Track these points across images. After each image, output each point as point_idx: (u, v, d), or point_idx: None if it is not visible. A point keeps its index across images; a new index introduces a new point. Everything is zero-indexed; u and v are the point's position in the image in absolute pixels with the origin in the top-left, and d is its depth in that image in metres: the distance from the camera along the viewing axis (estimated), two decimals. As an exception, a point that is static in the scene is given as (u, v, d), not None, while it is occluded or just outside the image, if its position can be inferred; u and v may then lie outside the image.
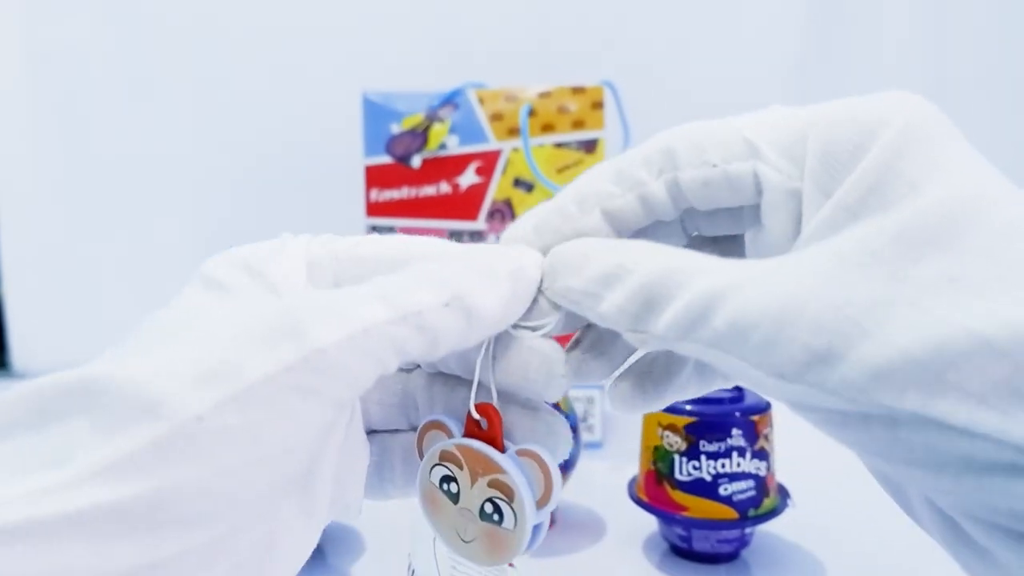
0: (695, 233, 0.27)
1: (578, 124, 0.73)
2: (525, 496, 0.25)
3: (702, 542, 0.52)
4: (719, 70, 0.93)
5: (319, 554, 0.53)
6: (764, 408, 0.52)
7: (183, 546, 0.20)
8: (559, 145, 0.73)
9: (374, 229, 0.75)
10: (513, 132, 0.73)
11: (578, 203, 0.25)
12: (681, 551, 0.54)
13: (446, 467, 0.26)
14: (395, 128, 0.74)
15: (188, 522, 0.20)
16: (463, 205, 0.74)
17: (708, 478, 0.50)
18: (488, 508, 0.26)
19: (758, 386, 0.21)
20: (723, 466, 0.50)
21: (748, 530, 0.53)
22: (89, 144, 0.99)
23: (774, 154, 0.23)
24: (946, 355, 0.18)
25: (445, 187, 0.74)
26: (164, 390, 0.19)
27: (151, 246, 1.01)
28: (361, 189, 0.76)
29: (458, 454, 0.26)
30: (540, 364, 0.25)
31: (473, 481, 0.26)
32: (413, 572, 0.37)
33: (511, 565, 0.26)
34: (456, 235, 0.74)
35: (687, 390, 0.28)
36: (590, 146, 0.73)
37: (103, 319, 1.01)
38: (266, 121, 0.98)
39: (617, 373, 0.28)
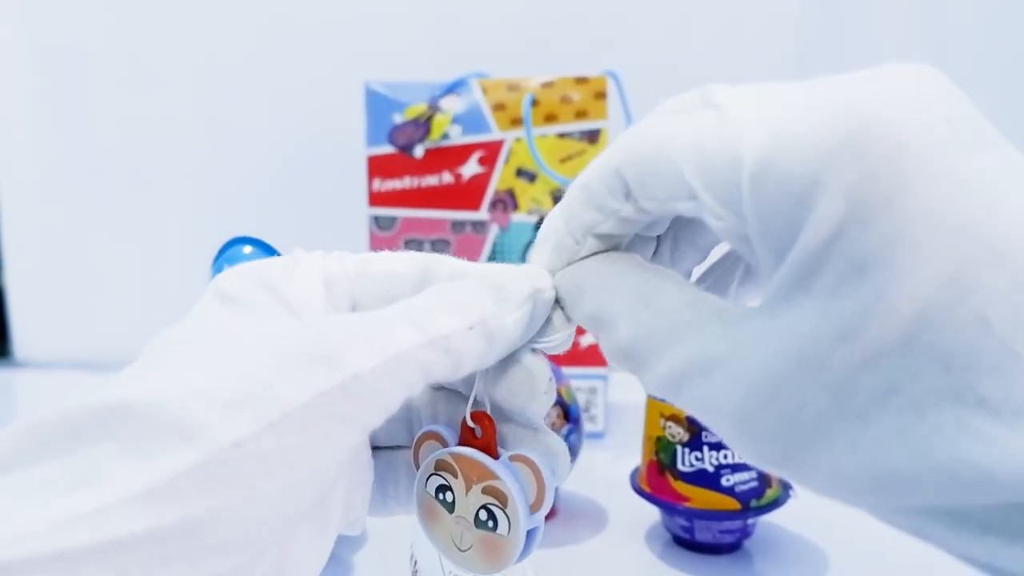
0: None
1: (581, 114, 0.72)
2: (518, 500, 0.25)
3: (704, 533, 0.52)
4: (721, 60, 0.93)
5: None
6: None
7: (213, 573, 0.19)
8: (562, 135, 0.72)
9: (376, 219, 0.75)
10: (516, 122, 0.73)
11: (571, 236, 0.26)
12: (683, 542, 0.54)
13: (442, 476, 0.27)
14: (398, 118, 0.74)
15: (222, 549, 0.19)
16: (465, 195, 0.74)
17: (710, 469, 0.50)
18: (483, 515, 0.26)
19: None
20: (725, 457, 0.50)
21: (750, 521, 0.53)
22: (91, 133, 0.99)
23: (713, 202, 0.21)
24: (885, 485, 0.18)
25: (448, 177, 0.74)
26: (200, 415, 0.19)
27: (153, 235, 1.01)
28: (363, 179, 0.76)
29: (453, 462, 0.26)
30: (524, 379, 0.26)
31: (468, 489, 0.26)
32: (415, 562, 0.37)
33: None
34: (458, 225, 0.74)
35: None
36: (593, 136, 0.72)
37: (104, 308, 1.02)
38: (269, 111, 0.97)
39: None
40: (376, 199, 0.75)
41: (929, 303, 0.17)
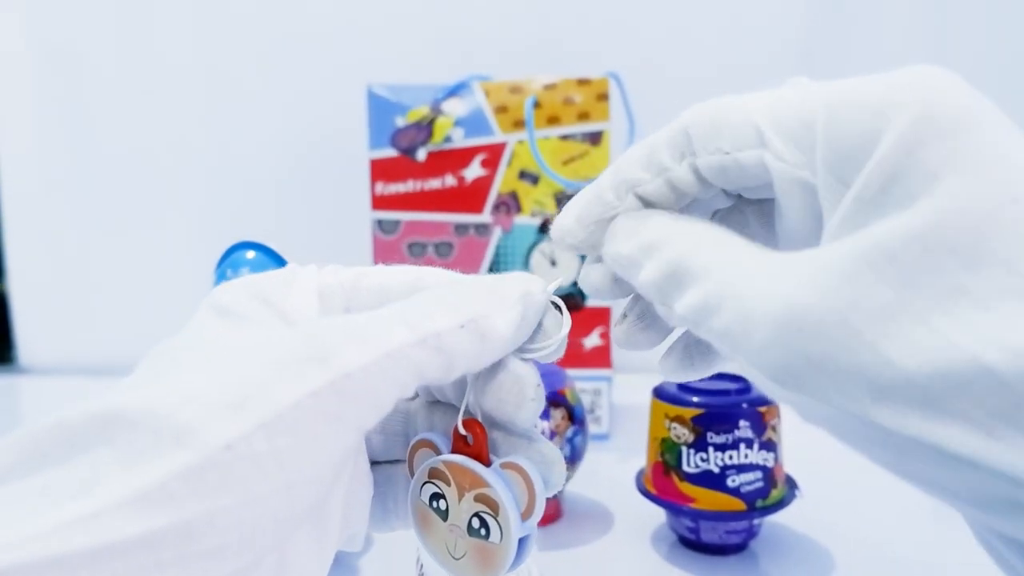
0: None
1: (583, 116, 0.73)
2: (509, 508, 0.25)
3: (710, 533, 0.52)
4: (724, 61, 0.93)
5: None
6: (771, 399, 0.52)
7: None
8: (564, 137, 0.73)
9: (379, 222, 0.75)
10: (518, 124, 0.73)
11: (614, 190, 0.26)
12: (689, 542, 0.54)
13: (435, 484, 0.27)
14: (400, 121, 0.74)
15: (218, 553, 0.19)
16: (468, 198, 0.74)
17: (716, 469, 0.50)
18: (476, 523, 0.26)
19: (761, 386, 0.21)
20: (731, 457, 0.50)
21: (756, 521, 0.53)
22: (94, 138, 0.99)
23: (780, 142, 0.22)
24: (948, 381, 0.17)
25: (450, 180, 0.74)
26: (192, 418, 0.19)
27: (156, 240, 1.01)
28: (366, 182, 0.76)
29: (445, 470, 0.26)
30: (512, 385, 0.25)
31: (460, 496, 0.26)
32: (421, 566, 0.37)
33: None
34: (461, 228, 0.74)
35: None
36: (595, 138, 0.72)
37: (107, 314, 1.02)
38: (272, 115, 0.97)
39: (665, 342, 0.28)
40: (379, 202, 0.75)
41: (999, 212, 0.18)
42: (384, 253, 0.75)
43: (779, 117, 0.22)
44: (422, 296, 0.24)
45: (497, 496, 0.25)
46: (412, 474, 0.27)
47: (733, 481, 0.50)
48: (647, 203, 0.26)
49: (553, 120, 0.73)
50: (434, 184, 0.74)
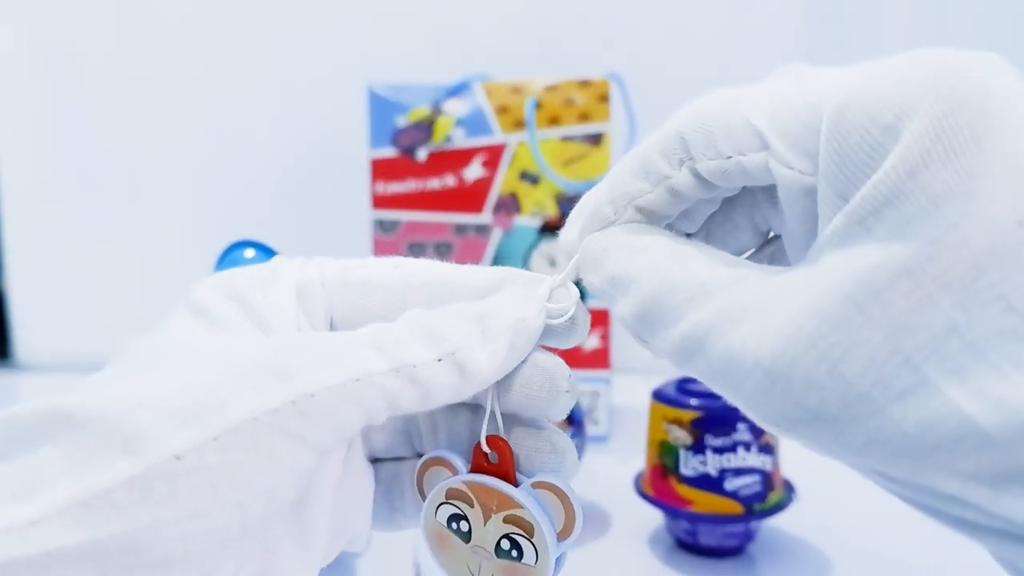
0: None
1: (584, 117, 0.72)
2: (547, 530, 0.24)
3: (708, 536, 0.52)
4: (724, 61, 0.93)
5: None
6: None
7: None
8: (565, 138, 0.72)
9: (379, 222, 0.75)
10: (519, 125, 0.73)
11: (611, 204, 0.25)
12: (687, 545, 0.54)
13: (454, 505, 0.25)
14: (401, 121, 0.74)
15: (163, 567, 0.19)
16: (469, 198, 0.74)
17: (714, 473, 0.50)
18: (505, 544, 0.24)
19: (755, 421, 0.21)
20: (728, 461, 0.50)
21: (753, 524, 0.53)
22: (93, 136, 0.99)
23: (784, 147, 0.21)
24: (936, 437, 0.17)
25: (451, 180, 0.74)
26: (143, 424, 0.18)
27: (154, 238, 1.01)
28: (367, 182, 0.76)
29: (467, 491, 0.25)
30: (543, 380, 0.24)
31: (486, 518, 0.25)
32: (418, 566, 0.36)
33: None
34: (461, 228, 0.74)
35: None
36: (596, 139, 0.72)
37: (106, 311, 1.02)
38: (272, 115, 0.97)
39: None
40: (379, 202, 0.75)
41: (1001, 239, 0.17)
42: (384, 253, 0.75)
43: (781, 119, 0.21)
44: (404, 318, 0.23)
45: (532, 518, 0.24)
46: (422, 493, 0.26)
47: (731, 484, 0.50)
48: (648, 212, 0.25)
49: (554, 121, 0.72)
50: (434, 184, 0.74)
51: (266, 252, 0.49)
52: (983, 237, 0.17)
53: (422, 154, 0.74)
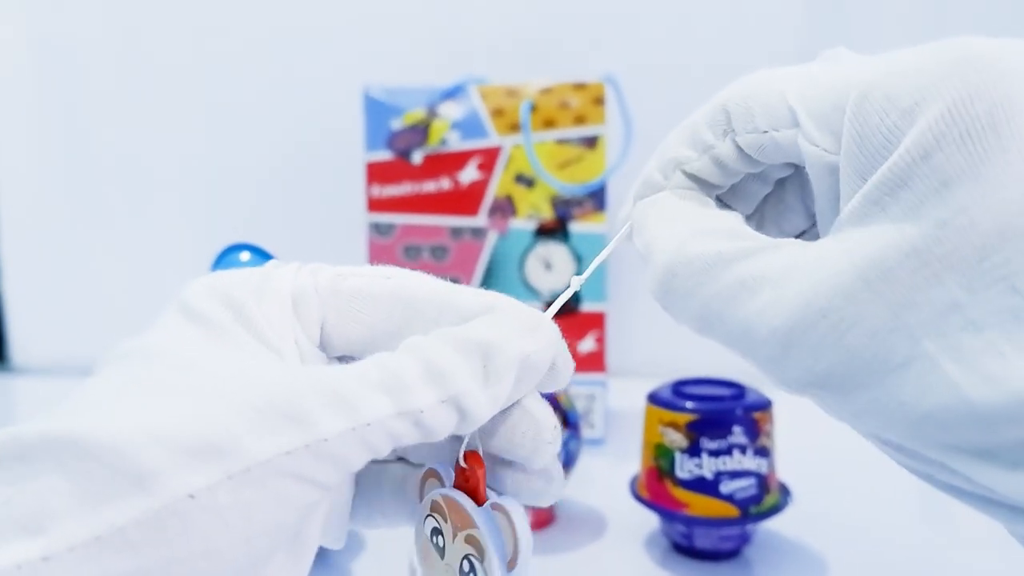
0: None
1: (580, 120, 0.73)
2: (493, 555, 0.24)
3: (703, 539, 0.52)
4: (722, 63, 0.93)
5: (320, 552, 0.53)
6: (765, 405, 0.52)
7: None
8: (560, 141, 0.72)
9: (375, 225, 0.75)
10: (514, 128, 0.73)
11: (660, 170, 0.26)
12: (682, 548, 0.54)
13: (435, 518, 0.25)
14: (396, 124, 0.74)
15: None
16: (464, 201, 0.74)
17: (709, 475, 0.50)
18: (466, 567, 0.24)
19: (771, 382, 0.22)
20: (724, 463, 0.50)
21: (749, 527, 0.53)
22: (90, 139, 0.99)
23: (812, 126, 0.22)
24: (928, 406, 0.18)
25: (446, 183, 0.74)
26: (158, 461, 0.18)
27: (151, 242, 1.01)
28: (362, 185, 0.76)
29: (443, 505, 0.25)
30: (528, 428, 0.24)
31: (454, 536, 0.25)
32: (414, 571, 0.36)
33: None
34: (457, 231, 0.74)
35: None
36: (591, 142, 0.72)
37: (102, 314, 1.01)
38: (268, 118, 0.97)
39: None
40: (375, 205, 0.75)
41: (1008, 223, 0.17)
42: (379, 256, 0.75)
43: (811, 99, 0.22)
44: (407, 348, 0.23)
45: (484, 540, 0.24)
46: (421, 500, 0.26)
47: (727, 487, 0.50)
48: (697, 180, 0.26)
49: (549, 124, 0.72)
50: (430, 187, 0.74)
51: (262, 255, 0.49)
52: (991, 220, 0.18)
53: (417, 157, 0.74)
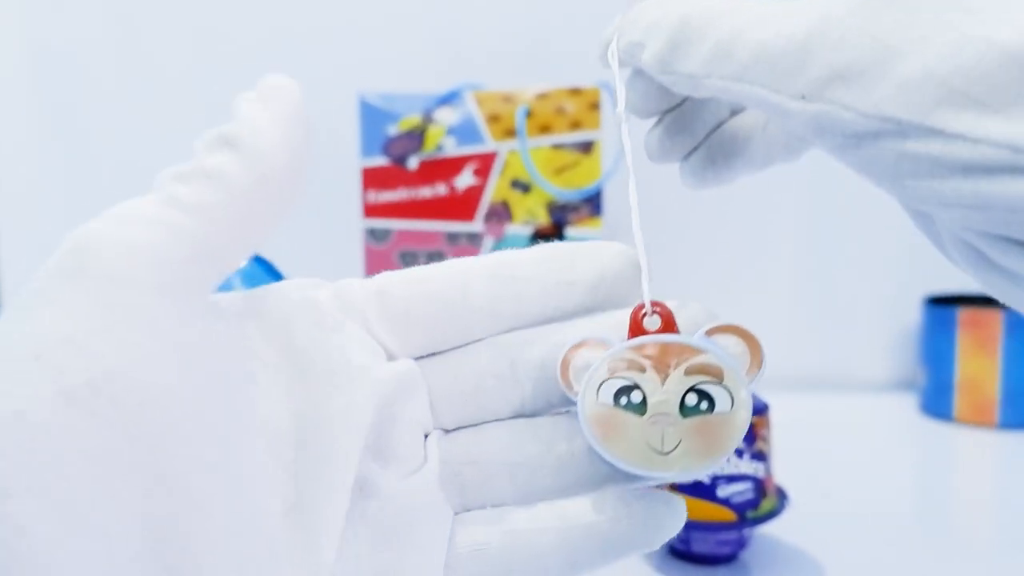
0: None
1: (575, 125, 0.73)
2: (736, 366, 0.23)
3: (700, 544, 0.52)
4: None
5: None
6: (762, 410, 0.52)
7: None
8: (556, 146, 0.73)
9: (371, 231, 0.75)
10: (510, 133, 0.73)
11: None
12: (679, 552, 0.53)
13: (622, 378, 0.24)
14: (392, 130, 0.74)
15: None
16: (460, 206, 0.74)
17: (706, 480, 0.50)
18: (691, 400, 0.23)
19: (780, 111, 0.22)
20: (721, 468, 0.50)
21: (746, 532, 0.53)
22: (89, 142, 0.99)
23: None
24: (959, 65, 0.18)
25: (442, 188, 0.74)
26: None
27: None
28: (358, 191, 0.76)
29: (636, 357, 0.23)
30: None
31: (663, 378, 0.23)
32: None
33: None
34: (453, 237, 0.74)
35: (754, 162, 0.29)
36: (587, 147, 0.73)
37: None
38: (263, 122, 0.97)
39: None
40: (371, 211, 0.75)
41: None
42: (375, 262, 0.75)
43: None
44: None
45: (718, 358, 0.23)
46: (571, 387, 0.25)
47: (723, 491, 0.50)
48: None
49: (545, 129, 0.73)
50: (425, 193, 0.74)
51: (257, 260, 0.49)
52: None
53: (413, 163, 0.74)
